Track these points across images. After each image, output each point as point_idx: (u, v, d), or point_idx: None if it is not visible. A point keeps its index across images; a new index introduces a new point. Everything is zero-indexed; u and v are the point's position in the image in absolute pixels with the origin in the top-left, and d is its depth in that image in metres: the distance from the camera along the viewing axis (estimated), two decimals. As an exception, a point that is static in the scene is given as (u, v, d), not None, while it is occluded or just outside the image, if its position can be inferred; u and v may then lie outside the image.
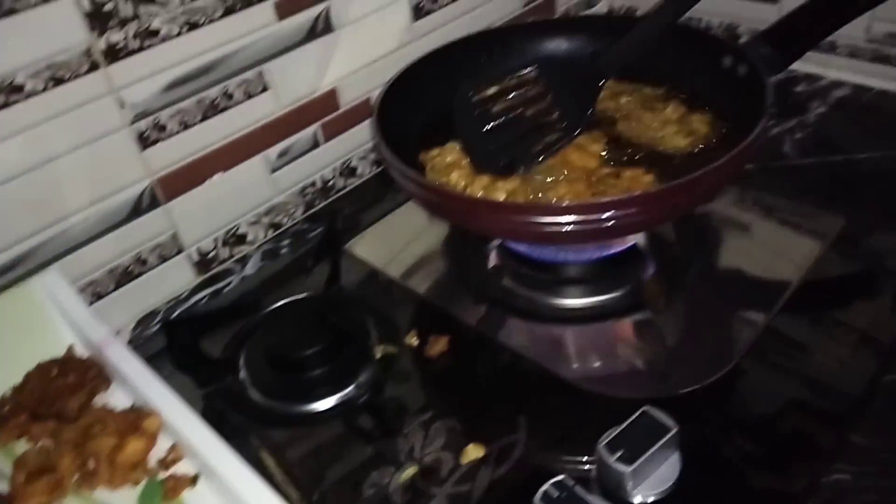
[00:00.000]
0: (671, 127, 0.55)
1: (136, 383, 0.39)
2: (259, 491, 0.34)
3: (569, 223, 0.45)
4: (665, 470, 0.40)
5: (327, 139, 0.69)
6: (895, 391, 0.46)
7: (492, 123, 0.54)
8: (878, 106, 0.74)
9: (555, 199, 0.50)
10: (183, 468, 0.36)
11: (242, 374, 0.52)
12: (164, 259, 0.60)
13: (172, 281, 0.62)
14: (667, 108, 0.57)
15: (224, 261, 0.65)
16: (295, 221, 0.69)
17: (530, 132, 0.54)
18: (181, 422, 0.36)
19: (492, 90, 0.55)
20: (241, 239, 0.66)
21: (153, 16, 0.52)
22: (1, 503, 0.35)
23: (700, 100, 0.58)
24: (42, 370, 0.42)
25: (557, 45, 0.66)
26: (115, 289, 0.58)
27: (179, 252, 0.61)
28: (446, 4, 0.73)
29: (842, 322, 0.50)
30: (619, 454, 0.39)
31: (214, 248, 0.64)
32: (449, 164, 0.56)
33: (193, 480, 0.36)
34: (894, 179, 0.63)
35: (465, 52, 0.65)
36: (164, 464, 0.36)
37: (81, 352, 0.45)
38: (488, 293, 0.56)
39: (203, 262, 0.63)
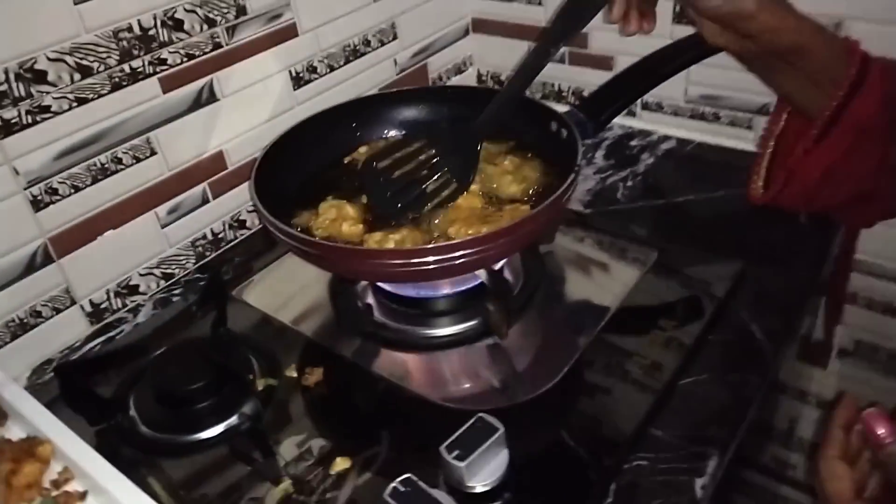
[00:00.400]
0: (507, 176, 0.65)
1: (30, 417, 0.44)
2: (142, 501, 0.40)
3: (418, 263, 0.54)
4: (496, 463, 0.48)
5: (216, 196, 0.76)
6: (688, 391, 0.56)
7: (394, 186, 0.62)
8: (697, 156, 0.88)
9: (457, 237, 0.58)
10: (73, 486, 0.41)
11: (132, 411, 0.57)
12: (57, 311, 0.65)
13: (66, 331, 0.66)
14: (504, 160, 0.67)
15: (116, 311, 0.70)
16: (187, 272, 0.75)
17: (425, 190, 0.63)
18: (71, 447, 0.42)
19: (391, 158, 0.63)
20: (133, 290, 0.71)
21: (45, 94, 0.58)
22: None
23: (533, 153, 0.69)
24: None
25: (422, 111, 0.76)
26: (12, 340, 0.62)
27: (73, 304, 0.66)
28: (324, 74, 0.83)
29: (650, 335, 0.60)
30: (455, 453, 0.47)
31: (107, 299, 0.69)
32: (334, 220, 0.63)
33: (83, 496, 0.41)
34: (708, 217, 0.76)
35: (339, 118, 0.73)
36: (57, 484, 0.41)
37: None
38: (361, 328, 0.64)
39: (96, 313, 0.68)
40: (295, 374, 0.60)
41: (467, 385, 0.59)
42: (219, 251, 0.78)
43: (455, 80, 1.03)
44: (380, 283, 0.65)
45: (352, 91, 0.86)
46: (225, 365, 0.59)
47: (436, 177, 0.62)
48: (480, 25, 1.00)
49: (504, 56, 1.00)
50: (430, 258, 0.53)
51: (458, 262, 0.54)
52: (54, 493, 0.41)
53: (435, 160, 0.63)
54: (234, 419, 0.56)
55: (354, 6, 0.84)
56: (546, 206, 0.55)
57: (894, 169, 0.56)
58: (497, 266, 0.63)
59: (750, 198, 0.64)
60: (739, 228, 0.72)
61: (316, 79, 0.82)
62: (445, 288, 0.63)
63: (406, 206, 0.62)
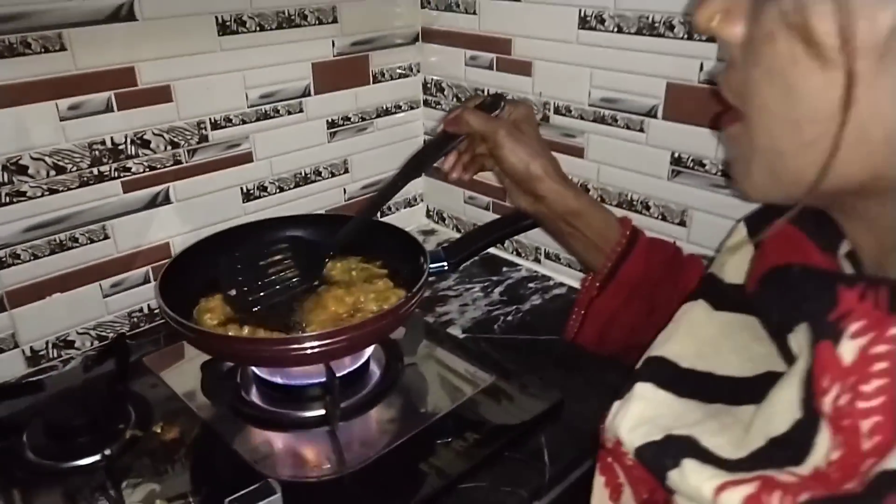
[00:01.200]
0: (372, 295, 0.79)
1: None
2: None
3: (272, 351, 0.68)
4: (269, 521, 0.59)
5: (156, 278, 0.92)
6: (464, 493, 0.66)
7: (250, 285, 0.78)
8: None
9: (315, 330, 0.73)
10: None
11: (24, 437, 0.71)
12: (1, 351, 0.81)
13: (4, 368, 0.81)
14: (379, 282, 0.82)
15: (52, 359, 0.85)
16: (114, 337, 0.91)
17: (277, 290, 0.78)
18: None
19: (253, 263, 0.79)
20: (69, 344, 0.87)
21: (24, 182, 0.77)
22: None
23: (399, 282, 0.83)
24: None
25: (297, 231, 0.90)
26: (-45, 368, 0.78)
27: (15, 347, 0.82)
28: (274, 193, 1.01)
29: (456, 441, 0.71)
30: (234, 505, 0.59)
31: (45, 348, 0.85)
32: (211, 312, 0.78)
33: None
34: (560, 353, 0.87)
35: (228, 237, 0.88)
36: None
37: None
38: (226, 400, 0.77)
39: (34, 358, 0.84)
40: (159, 430, 0.73)
41: (288, 459, 0.71)
42: (152, 323, 0.94)
43: (404, 212, 1.21)
44: (250, 366, 0.79)
45: (300, 209, 1.04)
46: (106, 411, 0.72)
47: (287, 279, 0.77)
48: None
49: (448, 196, 1.17)
50: (276, 347, 0.67)
51: (300, 352, 0.68)
52: None
53: (288, 267, 0.78)
54: (96, 457, 0.69)
55: (311, 143, 1.03)
56: (367, 321, 0.69)
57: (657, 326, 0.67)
58: (351, 363, 0.77)
59: (564, 336, 0.75)
60: (591, 366, 0.81)
61: (265, 195, 1.00)
62: (298, 379, 0.76)
63: (255, 301, 0.76)
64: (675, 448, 0.38)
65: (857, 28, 0.28)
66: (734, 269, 0.49)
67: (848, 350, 0.31)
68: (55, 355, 0.86)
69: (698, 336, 0.46)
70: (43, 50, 0.74)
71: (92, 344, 0.89)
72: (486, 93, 1.05)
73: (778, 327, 0.39)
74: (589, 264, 0.71)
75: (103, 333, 0.89)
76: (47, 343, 0.85)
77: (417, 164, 0.74)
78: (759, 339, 0.43)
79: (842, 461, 0.30)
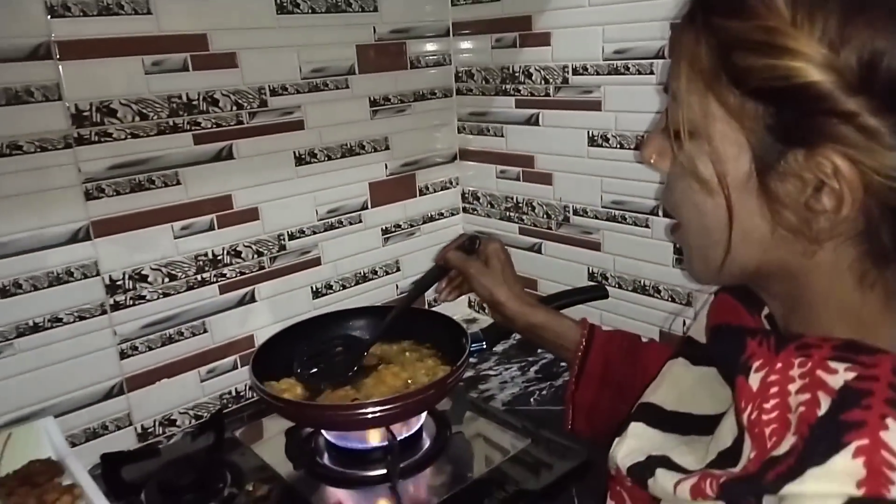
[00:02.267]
0: (422, 371, 0.95)
1: (76, 474, 0.75)
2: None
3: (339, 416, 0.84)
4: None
5: (243, 365, 1.10)
6: None
7: (313, 368, 0.95)
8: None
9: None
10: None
11: (143, 495, 0.86)
12: (119, 428, 0.98)
13: (121, 443, 0.98)
14: (429, 360, 0.97)
15: (158, 435, 1.02)
16: (211, 415, 1.07)
17: (334, 372, 0.95)
18: (91, 491, 0.72)
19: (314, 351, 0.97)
20: (172, 422, 1.03)
21: (144, 288, 0.97)
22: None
23: (446, 360, 0.98)
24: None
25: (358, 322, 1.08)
26: (85, 441, 0.95)
27: (129, 425, 0.99)
28: (337, 291, 1.19)
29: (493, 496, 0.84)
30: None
31: (153, 426, 1.01)
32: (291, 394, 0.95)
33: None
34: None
35: (308, 325, 1.06)
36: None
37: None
38: (304, 463, 0.92)
39: (143, 434, 1.01)
40: (251, 488, 0.88)
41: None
42: (238, 405, 1.10)
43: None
44: (323, 432, 0.94)
45: (360, 303, 1.21)
46: (207, 474, 0.88)
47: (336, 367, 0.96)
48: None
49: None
50: (344, 413, 0.83)
51: (364, 417, 0.83)
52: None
53: (339, 354, 0.97)
54: (204, 510, 0.84)
55: (368, 247, 1.22)
56: (419, 389, 0.85)
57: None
58: (406, 430, 0.92)
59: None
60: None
61: (331, 293, 1.19)
62: (365, 443, 0.91)
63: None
64: (653, 464, 0.51)
65: (727, 171, 0.44)
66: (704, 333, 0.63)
67: (754, 380, 0.44)
68: (160, 432, 1.02)
69: (679, 386, 0.59)
70: (163, 185, 0.96)
71: (189, 422, 1.05)
72: (507, 200, 1.24)
73: (725, 372, 0.53)
74: (566, 360, 0.83)
75: (199, 413, 1.06)
76: (154, 422, 1.02)
77: (421, 288, 0.94)
78: (724, 385, 0.57)
79: (756, 458, 0.43)
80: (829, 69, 0.37)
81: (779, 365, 0.42)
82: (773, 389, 0.42)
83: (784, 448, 0.39)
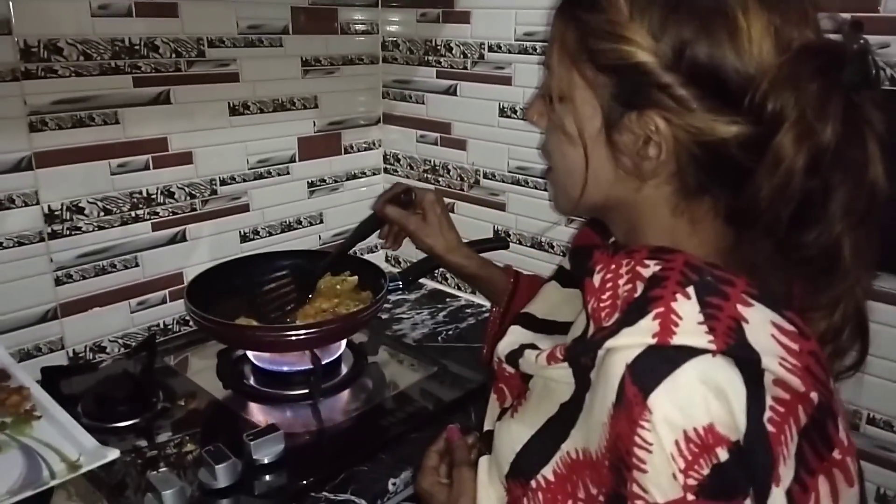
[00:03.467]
0: (349, 302, 1.06)
1: (22, 380, 0.82)
2: (72, 424, 0.76)
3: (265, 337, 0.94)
4: (276, 448, 0.84)
5: (172, 300, 1.17)
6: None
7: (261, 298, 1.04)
8: (505, 323, 1.28)
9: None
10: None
11: (79, 407, 0.93)
12: (52, 350, 1.04)
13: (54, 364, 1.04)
14: (359, 295, 1.09)
15: (89, 360, 1.08)
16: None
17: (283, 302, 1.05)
18: (39, 395, 0.79)
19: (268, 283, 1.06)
20: (102, 349, 1.10)
21: (81, 220, 1.03)
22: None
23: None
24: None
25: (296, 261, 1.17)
26: (20, 361, 1.00)
27: (63, 348, 1.05)
28: (264, 237, 1.27)
29: (400, 411, 0.97)
30: (252, 439, 0.83)
31: (84, 351, 1.08)
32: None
33: (38, 417, 0.78)
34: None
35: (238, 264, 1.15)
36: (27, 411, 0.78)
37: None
38: (234, 384, 1.01)
39: (74, 358, 1.07)
40: (183, 403, 0.97)
41: (283, 424, 0.95)
42: (167, 336, 1.17)
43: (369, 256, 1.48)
44: (248, 353, 1.04)
45: (283, 248, 1.30)
46: (142, 389, 0.96)
47: (287, 296, 1.05)
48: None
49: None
50: (273, 334, 0.93)
51: (286, 339, 0.94)
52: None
53: (290, 286, 1.06)
54: (137, 420, 0.92)
55: (295, 198, 1.31)
56: (341, 317, 0.97)
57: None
58: (328, 356, 1.03)
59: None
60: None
61: (258, 238, 1.27)
62: (289, 366, 1.02)
63: (270, 311, 1.03)
64: (523, 348, 0.65)
65: (585, 127, 0.57)
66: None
67: (596, 279, 0.58)
68: (91, 357, 1.09)
69: (549, 300, 0.74)
70: (103, 123, 1.02)
71: (118, 350, 1.12)
72: (425, 163, 1.37)
73: (580, 283, 0.68)
74: (495, 303, 0.98)
75: (127, 342, 1.13)
76: (85, 347, 1.08)
77: (360, 235, 1.01)
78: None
79: (594, 335, 0.58)
80: (652, 53, 0.51)
81: (612, 266, 0.56)
82: (609, 284, 0.56)
83: (611, 321, 0.53)
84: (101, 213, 1.05)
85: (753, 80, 0.49)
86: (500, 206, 1.28)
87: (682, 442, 0.45)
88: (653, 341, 0.48)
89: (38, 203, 0.98)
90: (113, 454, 0.76)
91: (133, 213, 1.09)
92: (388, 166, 1.46)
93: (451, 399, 1.01)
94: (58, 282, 1.03)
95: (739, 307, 0.49)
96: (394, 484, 0.84)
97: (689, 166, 0.53)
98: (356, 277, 1.13)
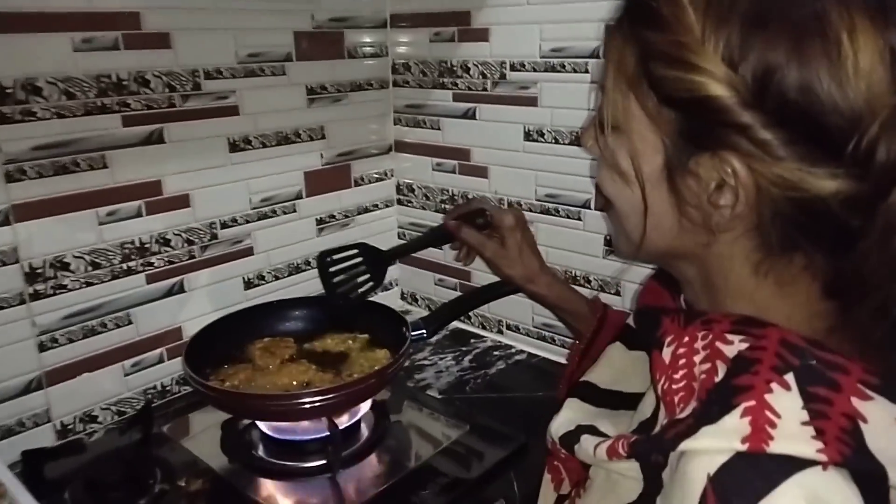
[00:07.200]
0: (366, 361, 0.95)
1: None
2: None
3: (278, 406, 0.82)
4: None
5: (171, 358, 1.05)
6: None
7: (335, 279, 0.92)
8: (538, 366, 1.16)
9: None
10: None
11: (66, 494, 0.82)
12: (37, 425, 0.92)
13: (39, 441, 0.92)
14: (378, 354, 0.97)
15: (79, 432, 0.97)
16: (136, 411, 1.03)
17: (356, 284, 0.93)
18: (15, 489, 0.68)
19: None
20: (93, 419, 0.98)
21: (66, 277, 0.92)
22: None
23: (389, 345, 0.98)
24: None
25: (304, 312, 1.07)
26: (1, 439, 0.89)
27: (49, 422, 0.94)
28: (270, 281, 1.16)
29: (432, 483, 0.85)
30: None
31: (73, 422, 0.96)
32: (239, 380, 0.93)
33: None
34: (524, 405, 1.02)
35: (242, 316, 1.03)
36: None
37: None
38: (240, 456, 0.89)
39: (63, 431, 0.95)
40: (183, 483, 0.85)
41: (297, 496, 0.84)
42: (164, 399, 1.06)
43: (381, 296, 1.37)
44: (257, 423, 0.92)
45: (294, 294, 1.19)
46: (136, 470, 0.84)
47: (360, 277, 0.93)
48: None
49: (420, 280, 1.34)
50: (283, 402, 0.82)
51: (301, 407, 0.82)
52: None
53: (362, 267, 0.94)
54: (134, 506, 0.81)
55: (302, 237, 1.20)
56: (359, 379, 0.85)
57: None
58: (345, 420, 0.91)
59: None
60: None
61: (263, 284, 1.16)
62: (303, 434, 0.90)
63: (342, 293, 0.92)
64: (580, 431, 0.54)
65: (642, 166, 0.47)
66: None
67: (666, 354, 0.47)
68: (81, 429, 0.97)
69: (614, 366, 0.63)
70: (89, 168, 0.91)
71: (112, 418, 1.00)
72: (443, 192, 1.26)
73: (648, 349, 0.57)
74: (578, 335, 0.87)
75: (123, 409, 1.01)
76: (75, 418, 0.96)
77: (424, 243, 0.95)
78: None
79: (666, 430, 0.46)
80: (727, 85, 0.40)
81: (686, 339, 0.46)
82: (682, 361, 0.45)
83: (687, 411, 0.43)
84: (89, 268, 0.94)
85: (860, 122, 0.38)
86: (529, 239, 1.16)
87: None
88: (742, 448, 0.37)
89: (17, 261, 0.87)
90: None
91: (124, 266, 0.98)
92: (402, 197, 1.35)
93: (490, 465, 0.88)
94: (41, 347, 0.91)
95: (855, 401, 0.38)
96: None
97: (773, 221, 0.42)
98: (366, 336, 1.02)
